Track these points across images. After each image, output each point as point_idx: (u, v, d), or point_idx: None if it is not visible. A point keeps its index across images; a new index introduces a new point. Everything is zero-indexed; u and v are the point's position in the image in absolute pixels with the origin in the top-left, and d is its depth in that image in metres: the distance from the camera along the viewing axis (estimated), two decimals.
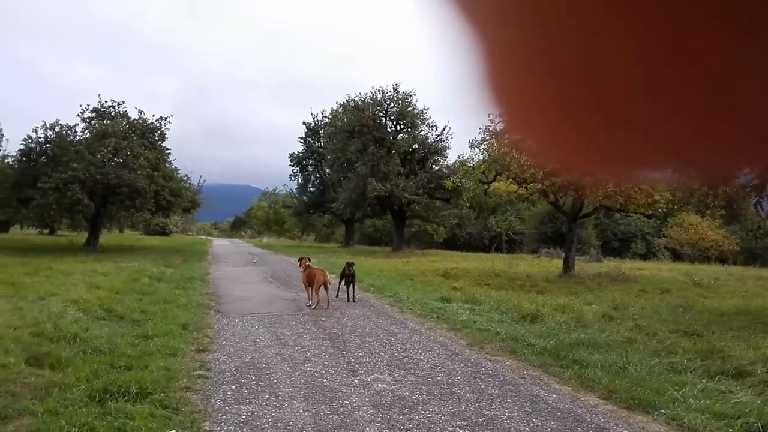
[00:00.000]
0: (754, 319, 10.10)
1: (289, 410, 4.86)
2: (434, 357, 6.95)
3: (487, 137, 18.30)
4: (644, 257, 46.14)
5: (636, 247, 50.45)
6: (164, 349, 6.70)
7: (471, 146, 18.72)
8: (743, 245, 50.21)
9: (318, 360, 6.60)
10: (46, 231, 43.60)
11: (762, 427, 4.50)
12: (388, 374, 6.06)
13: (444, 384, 5.77)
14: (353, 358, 6.72)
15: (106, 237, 36.72)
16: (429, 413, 4.86)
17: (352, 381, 5.77)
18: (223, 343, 7.42)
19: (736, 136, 0.35)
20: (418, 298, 11.84)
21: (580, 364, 6.52)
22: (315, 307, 10.34)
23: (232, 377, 5.81)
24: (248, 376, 5.87)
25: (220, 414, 4.72)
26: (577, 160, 0.42)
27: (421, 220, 38.63)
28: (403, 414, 4.83)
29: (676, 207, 15.21)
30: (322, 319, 9.39)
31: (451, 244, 50.13)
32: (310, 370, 6.13)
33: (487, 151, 18.31)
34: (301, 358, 6.66)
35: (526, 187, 18.76)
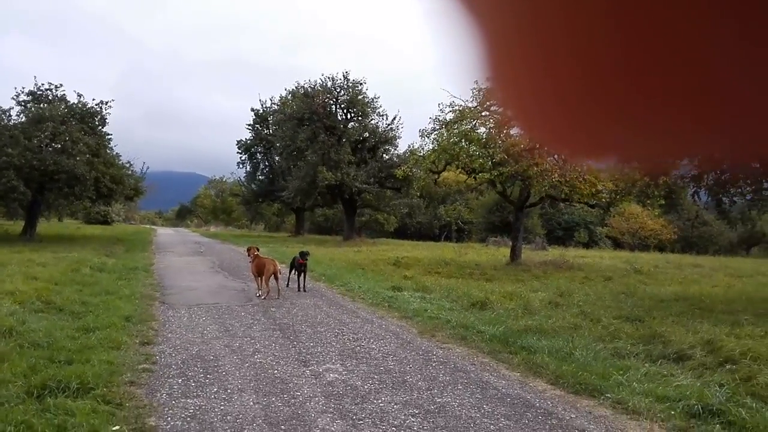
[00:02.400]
0: (691, 305, 10.55)
1: (238, 403, 4.75)
2: (386, 346, 6.95)
3: (437, 127, 18.40)
4: (587, 245, 47.67)
5: (579, 236, 51.97)
6: (106, 342, 6.45)
7: (421, 136, 18.81)
8: (680, 234, 52.46)
9: (268, 351, 6.50)
10: None
11: (702, 408, 4.69)
12: (340, 364, 6.02)
13: (396, 372, 5.77)
14: (304, 349, 6.65)
15: (44, 226, 35.15)
16: (381, 402, 4.85)
17: (304, 372, 5.70)
18: (169, 335, 7.20)
19: (677, 129, 0.37)
20: (370, 287, 11.83)
21: (528, 350, 6.65)
22: (265, 298, 10.18)
23: (178, 370, 5.65)
24: (195, 368, 5.72)
25: (167, 408, 4.57)
26: (577, 147, 0.43)
27: (372, 210, 38.65)
28: (356, 404, 4.80)
29: (618, 197, 15.71)
30: (272, 309, 9.26)
31: (402, 233, 50.40)
32: (260, 362, 6.02)
33: (437, 141, 18.41)
34: (251, 350, 6.54)
35: (475, 177, 18.98)
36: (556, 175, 15.50)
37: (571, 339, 7.13)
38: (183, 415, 4.43)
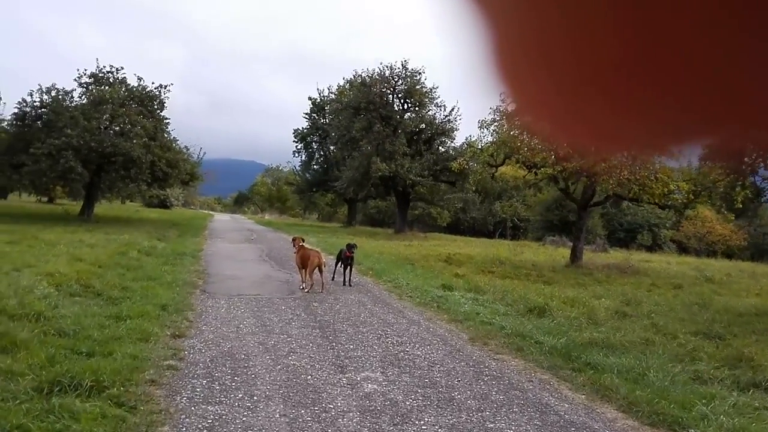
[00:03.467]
0: None
1: (263, 414, 4.22)
2: (433, 353, 6.30)
3: (498, 118, 17.51)
4: (650, 249, 45.51)
5: (642, 239, 49.58)
6: (136, 333, 6.07)
7: (480, 127, 17.92)
8: (750, 241, 49.47)
9: (304, 352, 5.96)
10: (45, 199, 43.05)
11: None
12: (381, 372, 5.42)
13: (443, 387, 5.12)
14: (343, 352, 6.08)
15: (104, 208, 36.20)
16: (424, 424, 4.22)
17: (340, 379, 5.13)
18: (203, 327, 6.78)
19: (682, 116, 0.37)
20: (419, 284, 11.19)
21: (594, 368, 5.87)
22: (308, 291, 9.70)
23: (205, 369, 5.18)
24: (224, 368, 5.23)
25: (183, 416, 4.09)
26: (583, 139, 0.43)
27: (425, 203, 37.87)
28: (395, 424, 4.19)
29: (699, 197, 14.37)
30: (314, 304, 8.75)
31: (455, 228, 49.42)
32: (294, 365, 5.49)
33: (497, 133, 17.53)
34: (286, 349, 6.03)
35: (535, 172, 18.01)
36: (626, 172, 14.37)
37: (643, 357, 6.28)
38: (199, 426, 3.93)
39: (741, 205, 15.40)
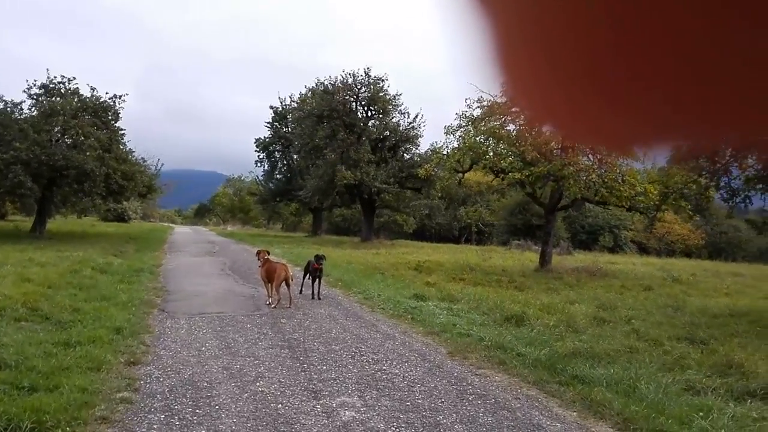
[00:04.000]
0: (751, 322, 9.38)
1: None
2: (412, 370, 5.91)
3: (464, 123, 17.31)
4: (612, 250, 46.26)
5: (604, 240, 50.27)
6: (86, 362, 5.52)
7: (446, 133, 17.71)
8: (708, 240, 50.77)
9: (273, 376, 5.49)
10: None
11: None
12: (358, 396, 5.00)
13: (426, 409, 4.73)
14: (316, 374, 5.63)
15: (58, 223, 34.73)
16: None
17: (314, 407, 4.69)
18: (161, 352, 6.24)
19: (726, 107, 0.38)
20: (390, 295, 10.80)
21: (582, 381, 5.57)
22: (275, 306, 9.21)
23: (163, 402, 4.67)
24: (184, 400, 4.73)
25: None
26: (579, 134, 0.45)
27: (391, 210, 37.57)
28: None
29: (668, 200, 14.37)
30: (282, 321, 8.26)
31: (420, 234, 49.25)
32: (263, 392, 5.02)
33: (463, 139, 17.32)
34: (253, 374, 5.54)
35: (502, 178, 17.86)
36: (594, 175, 14.31)
37: (630, 367, 6.02)
38: None
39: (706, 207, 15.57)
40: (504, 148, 16.22)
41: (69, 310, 7.97)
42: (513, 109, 16.86)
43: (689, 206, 15.18)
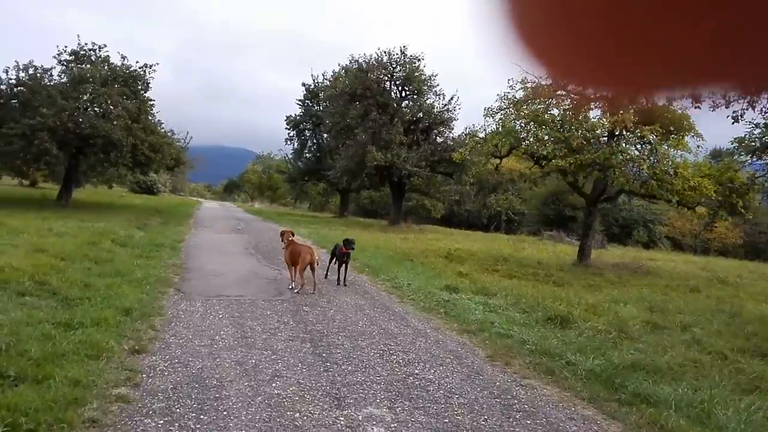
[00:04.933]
0: None
1: None
2: (448, 376, 5.20)
3: (505, 105, 16.37)
4: (646, 245, 44.92)
5: (638, 235, 48.76)
6: (85, 348, 4.94)
7: (486, 115, 16.76)
8: (746, 239, 48.94)
9: (291, 376, 4.84)
10: (27, 183, 41.53)
11: None
12: (388, 408, 4.31)
13: (467, 429, 4.03)
14: (339, 375, 4.96)
15: (87, 193, 34.79)
16: None
17: (337, 419, 4.02)
18: (170, 339, 5.64)
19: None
20: (420, 285, 10.09)
21: (646, 401, 4.80)
22: (298, 292, 8.58)
23: (164, 403, 4.05)
24: (188, 401, 4.11)
25: None
26: (595, 83, 0.44)
27: (421, 195, 36.73)
28: None
29: (733, 196, 13.14)
30: (305, 308, 7.62)
31: (448, 221, 48.38)
32: (279, 395, 4.37)
33: (503, 122, 16.39)
34: (270, 372, 4.90)
35: (542, 165, 16.91)
36: (645, 165, 13.31)
37: (700, 386, 5.21)
38: None
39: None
40: (548, 133, 15.24)
41: (79, 286, 7.44)
42: (559, 93, 15.89)
43: (746, 203, 14.04)
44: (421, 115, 30.51)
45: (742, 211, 15.12)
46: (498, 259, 15.99)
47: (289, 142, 41.81)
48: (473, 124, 31.55)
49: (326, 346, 5.85)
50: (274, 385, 4.59)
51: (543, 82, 15.98)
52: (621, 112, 14.75)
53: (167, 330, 5.99)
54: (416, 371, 5.28)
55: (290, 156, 44.20)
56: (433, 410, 4.33)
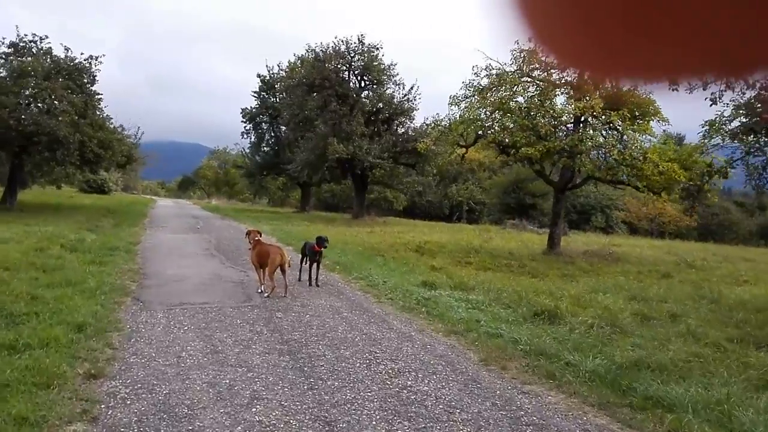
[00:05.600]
0: None
1: None
2: (443, 387, 4.76)
3: (470, 93, 16.01)
4: (604, 230, 45.74)
5: (596, 221, 49.57)
6: (33, 375, 4.32)
7: (450, 104, 16.36)
8: (700, 222, 50.31)
9: (273, 398, 4.30)
10: None
11: None
12: (386, 430, 3.83)
13: None
14: (327, 393, 4.45)
15: (33, 194, 33.03)
16: None
17: None
18: (131, 359, 5.02)
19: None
20: (396, 282, 9.63)
21: (660, 404, 4.46)
22: (268, 296, 7.99)
23: None
24: None
25: None
26: (600, 69, 0.44)
27: (384, 187, 36.26)
28: None
29: (715, 176, 13.03)
30: (278, 315, 7.06)
31: (410, 212, 48.11)
32: (261, 422, 3.84)
33: (469, 110, 16.04)
34: (248, 394, 4.35)
35: (512, 153, 16.66)
36: (615, 151, 13.16)
37: (710, 384, 4.91)
38: None
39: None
40: (514, 121, 14.95)
41: (25, 299, 6.71)
42: (524, 79, 15.64)
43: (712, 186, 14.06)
44: (381, 105, 29.97)
45: (708, 195, 15.21)
46: (469, 250, 15.68)
47: (245, 136, 40.70)
48: (437, 114, 31.07)
49: (307, 358, 5.32)
50: (254, 410, 4.05)
51: (508, 68, 15.72)
52: (588, 97, 14.60)
53: (127, 347, 5.35)
54: (409, 383, 4.81)
55: (247, 150, 43.06)
56: (438, 431, 3.87)
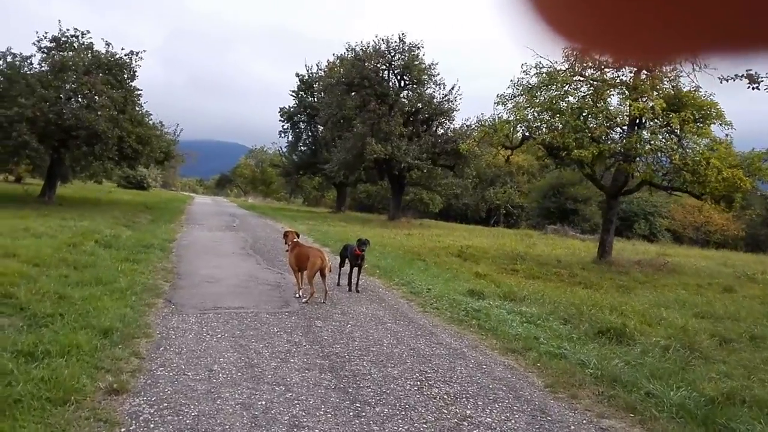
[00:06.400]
0: None
1: None
2: (509, 419, 4.13)
3: (518, 92, 15.28)
4: (647, 238, 44.31)
5: (639, 228, 47.99)
6: (48, 389, 3.84)
7: (497, 103, 15.64)
8: (747, 231, 48.31)
9: (315, 426, 3.75)
10: (12, 179, 40.02)
11: None
12: None
13: None
14: (376, 423, 3.86)
15: (73, 188, 33.46)
16: None
17: None
18: (159, 372, 4.53)
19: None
20: (441, 290, 8.98)
21: None
22: (307, 301, 7.46)
23: None
24: None
25: None
26: (608, 48, 0.44)
27: (421, 188, 35.57)
28: None
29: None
30: (317, 323, 6.51)
31: (445, 214, 47.34)
32: None
33: (516, 110, 15.29)
34: (286, 420, 3.80)
35: (557, 156, 15.87)
36: (677, 156, 12.26)
37: None
38: None
39: None
40: (565, 122, 14.16)
41: (52, 299, 6.32)
42: (576, 78, 14.84)
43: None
44: (420, 105, 29.33)
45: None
46: (513, 257, 14.93)
47: (283, 135, 40.57)
48: (481, 113, 30.15)
49: (351, 377, 4.75)
50: None
51: (559, 67, 14.94)
52: (645, 98, 13.74)
53: (154, 357, 4.87)
54: (468, 411, 4.20)
55: (284, 149, 42.93)
56: None
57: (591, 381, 5.06)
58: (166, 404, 3.90)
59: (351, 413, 4.00)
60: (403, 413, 4.06)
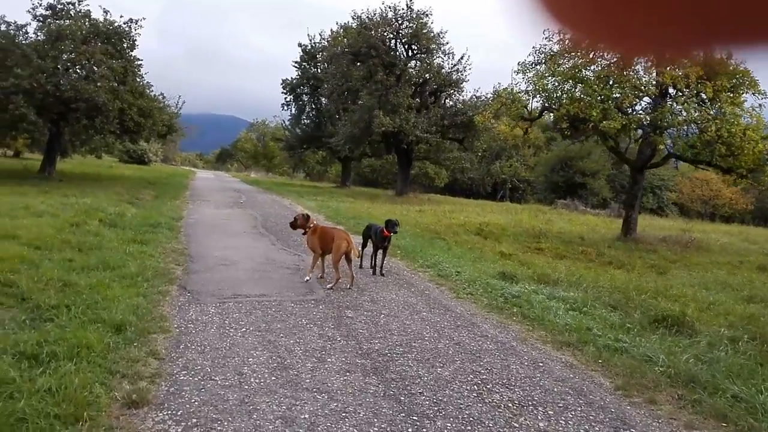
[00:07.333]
0: None
1: None
2: (585, 429, 3.57)
3: (540, 60, 14.51)
4: (654, 212, 43.85)
5: (647, 201, 47.36)
6: (56, 404, 3.28)
7: (518, 71, 14.86)
8: (757, 204, 47.77)
9: None
10: (11, 153, 39.27)
11: None
12: None
13: None
14: None
15: (73, 164, 32.77)
16: None
17: None
18: (182, 376, 3.96)
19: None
20: (471, 273, 8.40)
21: None
22: (332, 287, 6.89)
23: None
24: None
25: None
26: (617, 43, 0.43)
27: (430, 162, 34.81)
28: None
29: None
30: (348, 314, 5.94)
31: (451, 189, 46.67)
32: None
33: (537, 79, 14.54)
34: None
35: (577, 128, 15.17)
36: (713, 127, 11.57)
37: None
38: None
39: None
40: (588, 93, 13.43)
41: (56, 287, 5.74)
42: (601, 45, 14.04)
43: None
44: (428, 76, 28.42)
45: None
46: (534, 234, 14.35)
47: (286, 107, 39.61)
48: (498, 83, 29.16)
49: (399, 380, 4.19)
50: None
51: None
52: (676, 66, 12.97)
53: (175, 358, 4.30)
54: (541, 424, 3.64)
55: (287, 122, 42.03)
56: None
57: (665, 382, 4.51)
58: (195, 419, 3.34)
59: (409, 428, 3.43)
60: (469, 428, 3.50)
